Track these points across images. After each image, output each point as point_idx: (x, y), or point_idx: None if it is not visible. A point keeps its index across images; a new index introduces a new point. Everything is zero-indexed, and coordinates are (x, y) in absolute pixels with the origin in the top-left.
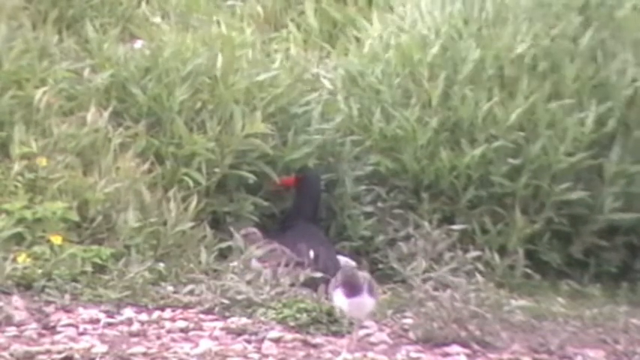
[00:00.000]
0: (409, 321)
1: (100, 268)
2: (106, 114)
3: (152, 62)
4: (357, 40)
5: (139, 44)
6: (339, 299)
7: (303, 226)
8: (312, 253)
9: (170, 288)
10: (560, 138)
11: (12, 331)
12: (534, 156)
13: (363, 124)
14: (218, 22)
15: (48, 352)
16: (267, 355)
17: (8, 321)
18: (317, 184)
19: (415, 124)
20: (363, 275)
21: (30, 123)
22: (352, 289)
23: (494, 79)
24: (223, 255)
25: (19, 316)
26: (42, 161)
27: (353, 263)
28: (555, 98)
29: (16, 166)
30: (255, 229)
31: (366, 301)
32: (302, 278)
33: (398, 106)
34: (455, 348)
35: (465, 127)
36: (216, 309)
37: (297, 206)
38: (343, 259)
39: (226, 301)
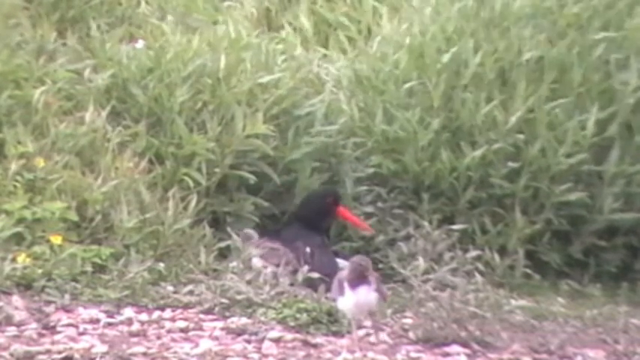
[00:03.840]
0: (409, 321)
1: (99, 268)
2: (104, 113)
3: (155, 62)
4: (350, 40)
5: (140, 44)
6: (347, 294)
7: (301, 227)
8: (308, 250)
9: (170, 288)
10: (560, 140)
11: (12, 331)
12: (533, 157)
13: (365, 125)
14: (217, 23)
15: (48, 352)
16: (267, 355)
17: (8, 321)
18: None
19: (417, 125)
20: (374, 274)
21: (28, 123)
22: (361, 279)
23: (496, 82)
24: (223, 255)
25: (19, 316)
26: (39, 162)
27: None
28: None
29: (13, 166)
30: (252, 231)
31: (371, 295)
32: (300, 278)
33: (400, 108)
34: (455, 348)
35: (466, 130)
36: (216, 309)
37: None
38: (342, 262)
39: (226, 301)
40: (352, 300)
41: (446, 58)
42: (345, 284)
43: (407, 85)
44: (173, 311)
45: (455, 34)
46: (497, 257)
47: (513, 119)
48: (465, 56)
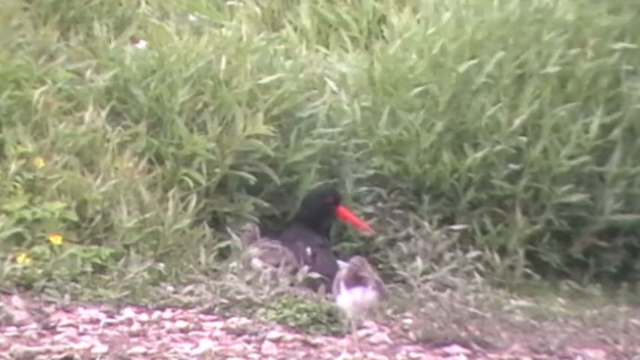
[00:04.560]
0: (409, 321)
1: (99, 268)
2: (103, 113)
3: (158, 64)
4: (353, 40)
5: (141, 44)
6: (343, 294)
7: (301, 227)
8: (309, 250)
9: (170, 288)
10: (563, 142)
11: (12, 331)
12: (535, 159)
13: (367, 126)
14: (221, 22)
15: (48, 352)
16: (267, 356)
17: (8, 321)
18: (323, 205)
19: (420, 127)
20: (372, 274)
21: (28, 123)
22: (357, 279)
23: (510, 88)
24: (223, 255)
25: (19, 316)
26: (39, 162)
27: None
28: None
29: (13, 166)
30: (251, 226)
31: (368, 295)
32: (300, 278)
33: (406, 110)
34: (455, 348)
35: (470, 132)
36: (216, 309)
37: (302, 217)
38: (342, 264)
39: (226, 301)
40: (349, 300)
41: (463, 67)
42: (342, 284)
43: (417, 90)
44: (173, 311)
45: (480, 41)
46: (497, 257)
47: (517, 122)
48: (484, 62)
